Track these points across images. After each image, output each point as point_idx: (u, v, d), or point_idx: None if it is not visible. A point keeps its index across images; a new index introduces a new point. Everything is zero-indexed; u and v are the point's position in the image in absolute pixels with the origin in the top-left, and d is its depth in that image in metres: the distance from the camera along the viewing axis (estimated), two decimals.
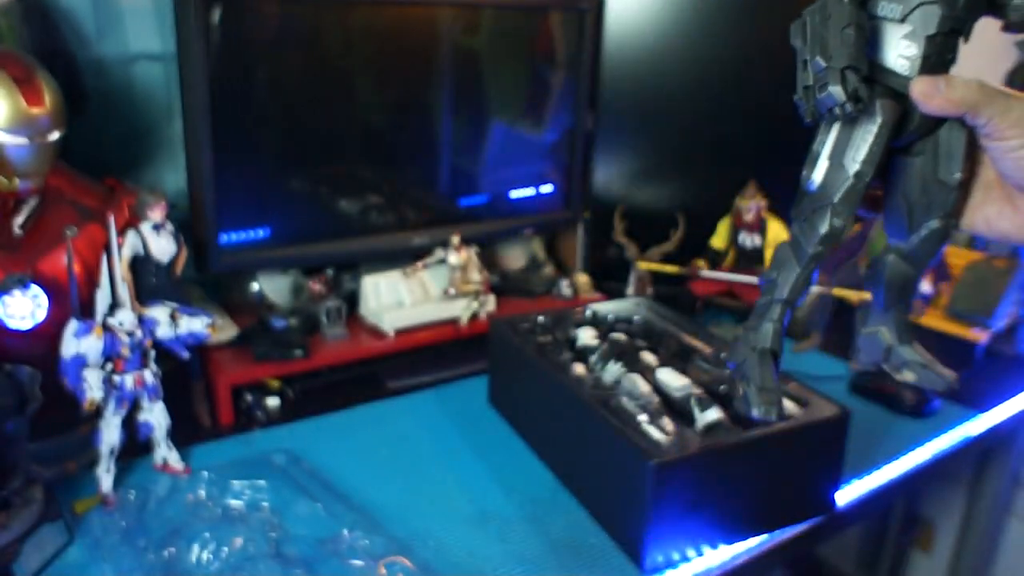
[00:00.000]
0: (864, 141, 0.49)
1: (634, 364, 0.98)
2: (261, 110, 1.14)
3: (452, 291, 1.25)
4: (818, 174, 0.51)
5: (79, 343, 0.82)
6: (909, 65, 0.48)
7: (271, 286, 1.25)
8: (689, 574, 0.82)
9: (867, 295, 1.41)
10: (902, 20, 0.48)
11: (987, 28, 0.51)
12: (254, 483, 0.90)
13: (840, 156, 0.50)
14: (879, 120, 0.49)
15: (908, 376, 0.55)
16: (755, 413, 0.53)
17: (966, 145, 0.49)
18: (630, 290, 1.41)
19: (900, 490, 1.04)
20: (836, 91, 0.47)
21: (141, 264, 0.96)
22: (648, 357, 1.01)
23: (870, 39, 0.49)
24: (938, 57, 0.48)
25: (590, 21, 1.37)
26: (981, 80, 0.48)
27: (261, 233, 1.18)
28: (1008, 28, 0.49)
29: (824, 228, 0.50)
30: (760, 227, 1.39)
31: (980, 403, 1.19)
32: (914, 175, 0.51)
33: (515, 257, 1.50)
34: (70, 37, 1.13)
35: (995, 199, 0.52)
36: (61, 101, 0.90)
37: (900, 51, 0.48)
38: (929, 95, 0.48)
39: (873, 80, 0.48)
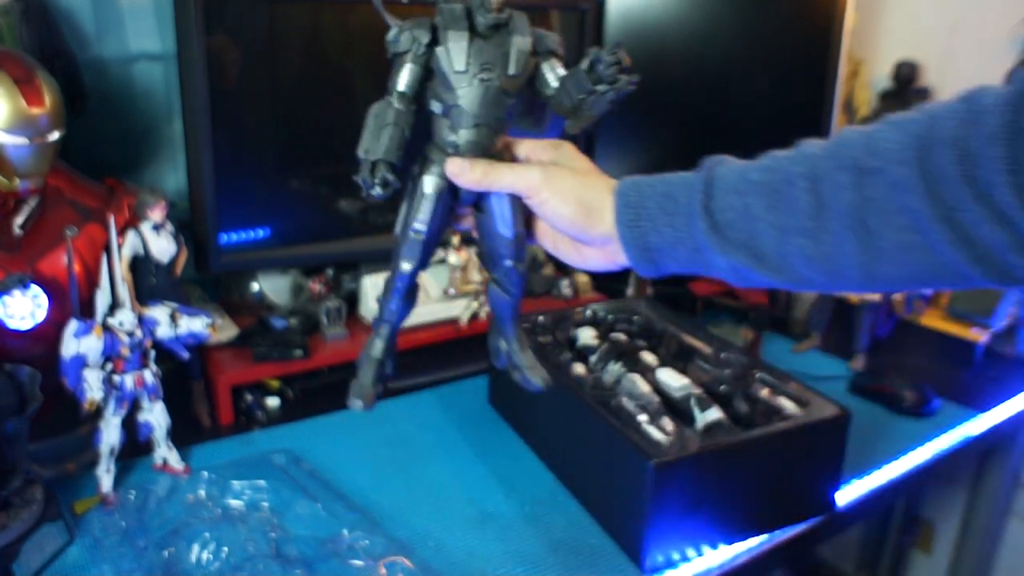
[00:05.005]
0: (422, 208, 0.60)
1: (634, 364, 0.98)
2: (261, 110, 1.14)
3: (452, 291, 1.25)
4: (397, 229, 0.63)
5: (79, 343, 0.82)
6: (453, 148, 0.59)
7: (271, 286, 1.25)
8: (689, 574, 0.82)
9: (867, 295, 1.41)
10: (444, 116, 0.59)
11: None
12: (254, 483, 0.90)
13: (407, 218, 0.61)
14: (427, 192, 0.60)
15: (516, 376, 0.69)
16: (349, 402, 0.66)
17: (512, 207, 0.61)
18: (630, 290, 1.41)
19: (900, 490, 1.04)
20: (364, 178, 0.57)
21: (141, 264, 0.96)
22: (648, 357, 1.01)
23: (431, 128, 0.61)
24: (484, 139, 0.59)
25: (590, 21, 1.36)
26: (494, 164, 0.59)
27: (261, 233, 1.18)
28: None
29: (400, 268, 0.62)
30: None
31: (980, 403, 1.19)
32: (484, 227, 0.63)
33: None
34: (70, 37, 1.12)
35: (564, 242, 0.63)
36: (61, 101, 0.90)
37: (446, 137, 0.59)
38: (456, 174, 0.58)
39: (428, 160, 0.60)
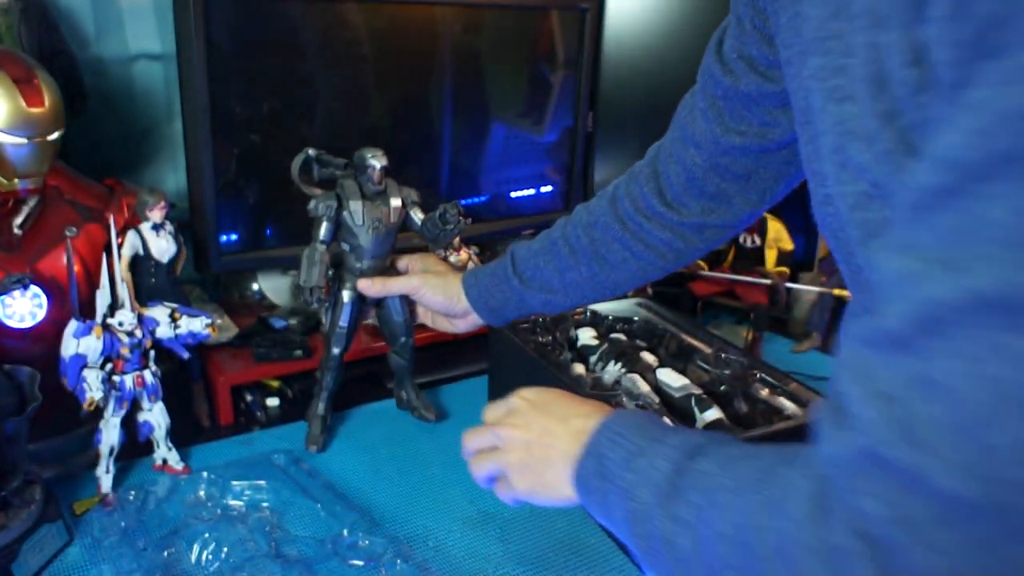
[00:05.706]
0: (343, 312, 0.96)
1: (634, 364, 0.98)
2: (261, 110, 1.14)
3: None
4: (327, 327, 0.98)
5: (79, 343, 0.82)
6: (359, 272, 0.95)
7: (271, 286, 1.25)
8: None
9: None
10: (351, 252, 0.95)
11: None
12: (254, 483, 0.90)
13: (334, 319, 0.97)
14: (345, 301, 0.96)
15: (414, 414, 1.05)
16: (307, 448, 0.99)
17: (402, 302, 0.98)
18: (630, 290, 1.41)
19: None
20: (305, 298, 0.93)
21: (141, 264, 0.96)
22: (648, 357, 1.01)
23: (343, 259, 0.96)
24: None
25: (590, 21, 1.37)
26: (387, 279, 0.94)
27: (261, 233, 1.18)
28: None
29: (333, 354, 0.98)
30: (760, 227, 1.39)
31: None
32: (383, 317, 1.00)
33: None
34: (70, 37, 1.13)
35: (439, 318, 0.96)
36: (61, 101, 0.90)
37: (354, 265, 0.95)
38: (364, 289, 0.94)
39: (343, 281, 0.96)
